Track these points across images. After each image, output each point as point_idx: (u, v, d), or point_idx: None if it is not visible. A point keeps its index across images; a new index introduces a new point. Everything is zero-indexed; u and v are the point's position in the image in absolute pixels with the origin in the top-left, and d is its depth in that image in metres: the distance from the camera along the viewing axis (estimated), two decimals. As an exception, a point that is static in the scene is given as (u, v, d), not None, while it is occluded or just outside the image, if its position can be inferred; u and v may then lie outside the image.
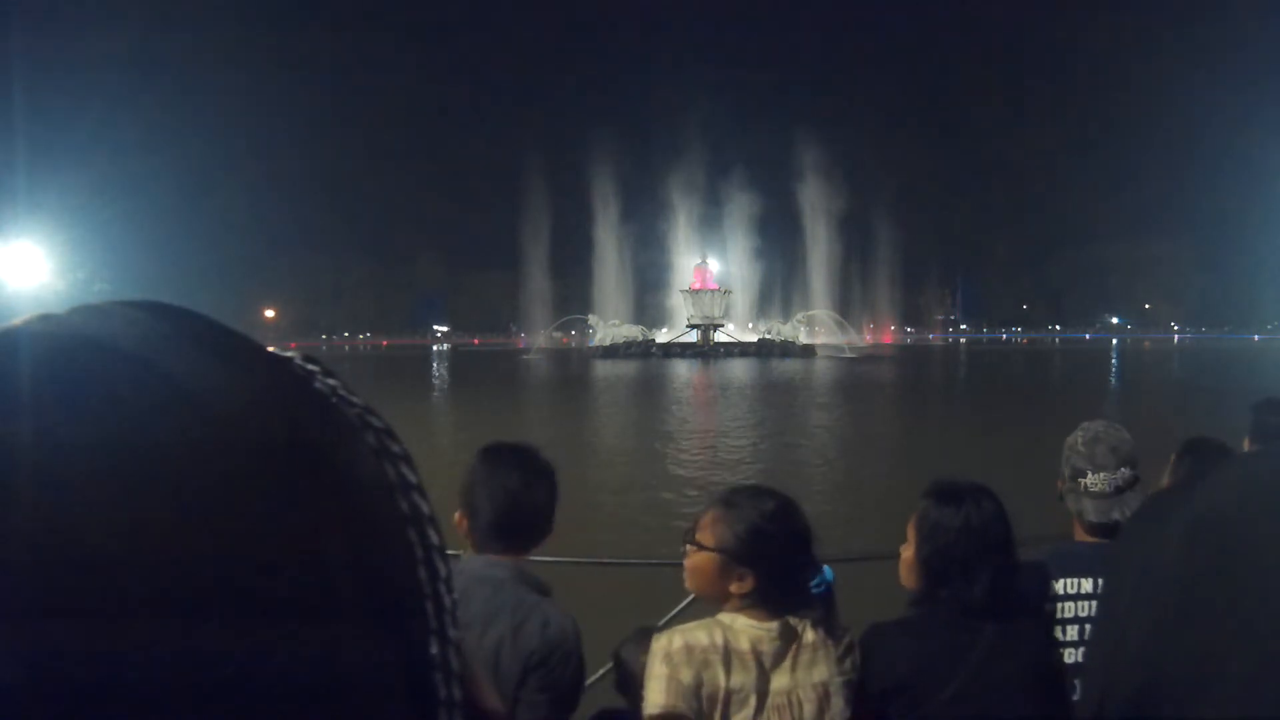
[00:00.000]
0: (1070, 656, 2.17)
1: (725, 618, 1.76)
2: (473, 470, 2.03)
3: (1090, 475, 2.25)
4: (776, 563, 1.76)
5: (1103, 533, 2.26)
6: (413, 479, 0.30)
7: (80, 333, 0.25)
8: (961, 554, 1.90)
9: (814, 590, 1.84)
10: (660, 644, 1.73)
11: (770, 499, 1.81)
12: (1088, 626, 2.16)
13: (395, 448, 0.30)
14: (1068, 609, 2.19)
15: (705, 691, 1.68)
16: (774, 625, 1.73)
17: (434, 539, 0.30)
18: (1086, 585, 2.19)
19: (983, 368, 52.61)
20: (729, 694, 1.68)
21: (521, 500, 2.00)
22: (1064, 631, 2.18)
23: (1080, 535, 2.30)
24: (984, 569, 1.88)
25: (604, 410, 26.72)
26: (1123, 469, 2.24)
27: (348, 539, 0.25)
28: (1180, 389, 29.38)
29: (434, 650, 0.28)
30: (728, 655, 1.70)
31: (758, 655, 1.71)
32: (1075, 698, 2.12)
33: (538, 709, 1.87)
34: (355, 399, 0.30)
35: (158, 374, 0.24)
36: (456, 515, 2.06)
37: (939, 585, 1.92)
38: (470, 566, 1.98)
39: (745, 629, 1.73)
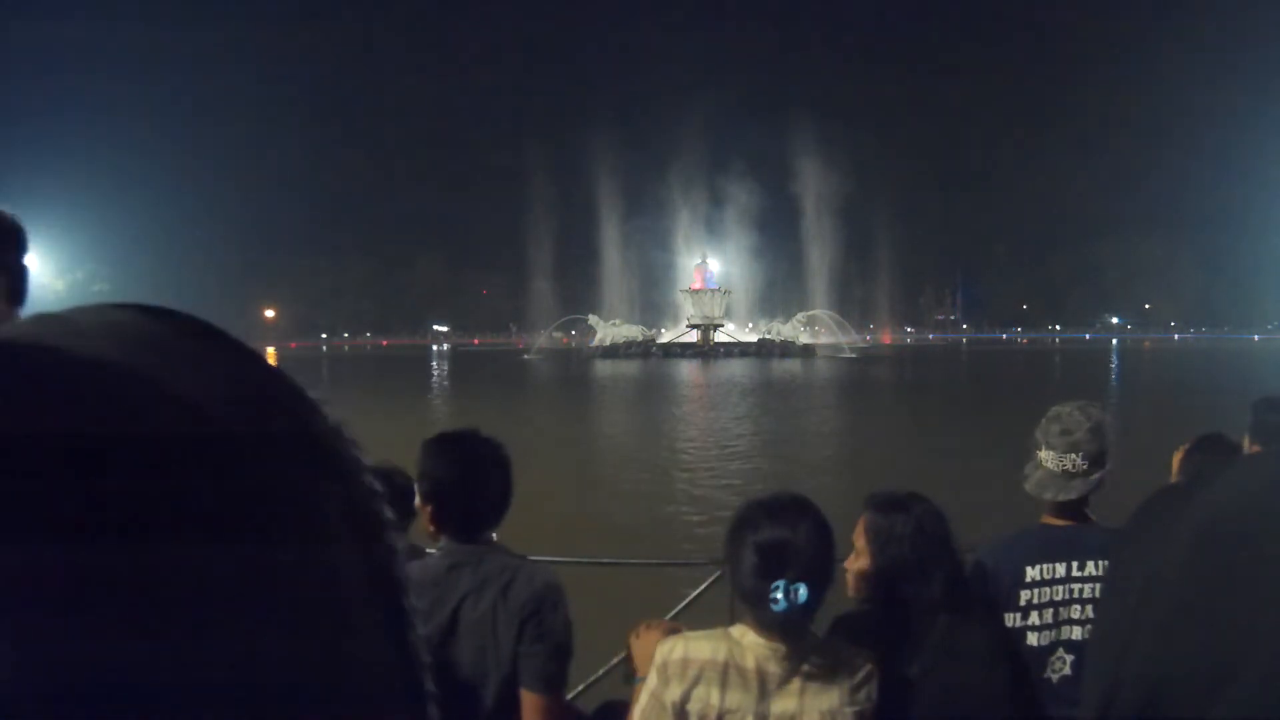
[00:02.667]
0: (1045, 638, 2.20)
1: (736, 631, 1.70)
2: (429, 463, 2.11)
3: (1042, 450, 2.28)
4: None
5: (1058, 511, 2.29)
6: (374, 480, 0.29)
7: (40, 341, 0.24)
8: (917, 558, 2.00)
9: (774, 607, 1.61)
10: (663, 650, 1.70)
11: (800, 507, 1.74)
12: (1060, 610, 2.19)
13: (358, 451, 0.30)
14: (1042, 594, 2.21)
15: (695, 709, 1.63)
16: (783, 645, 1.65)
17: (397, 541, 0.30)
18: (1060, 570, 2.20)
19: (983, 367, 52.58)
20: (724, 713, 1.63)
21: (480, 483, 2.09)
22: (1040, 615, 2.20)
23: (1046, 517, 2.33)
24: (937, 569, 1.99)
25: (604, 410, 26.72)
26: (1072, 454, 2.24)
27: (351, 533, 0.26)
28: (1180, 389, 29.39)
29: (414, 646, 0.28)
30: (727, 672, 1.64)
31: (762, 675, 1.64)
32: (1047, 676, 2.17)
33: (536, 659, 1.97)
34: (310, 394, 0.30)
35: (121, 378, 0.24)
36: (418, 504, 2.13)
37: (897, 589, 2.01)
38: (448, 550, 2.08)
39: (753, 646, 1.66)
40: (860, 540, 2.07)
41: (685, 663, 1.64)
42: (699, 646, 1.67)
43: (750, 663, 1.64)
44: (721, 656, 1.64)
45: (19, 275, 2.10)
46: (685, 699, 1.62)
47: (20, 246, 2.12)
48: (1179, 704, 0.38)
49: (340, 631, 0.25)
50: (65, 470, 0.21)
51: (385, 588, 0.27)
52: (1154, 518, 0.46)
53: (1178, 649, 0.39)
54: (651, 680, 1.66)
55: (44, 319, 0.26)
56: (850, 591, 2.09)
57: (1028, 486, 2.32)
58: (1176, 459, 3.06)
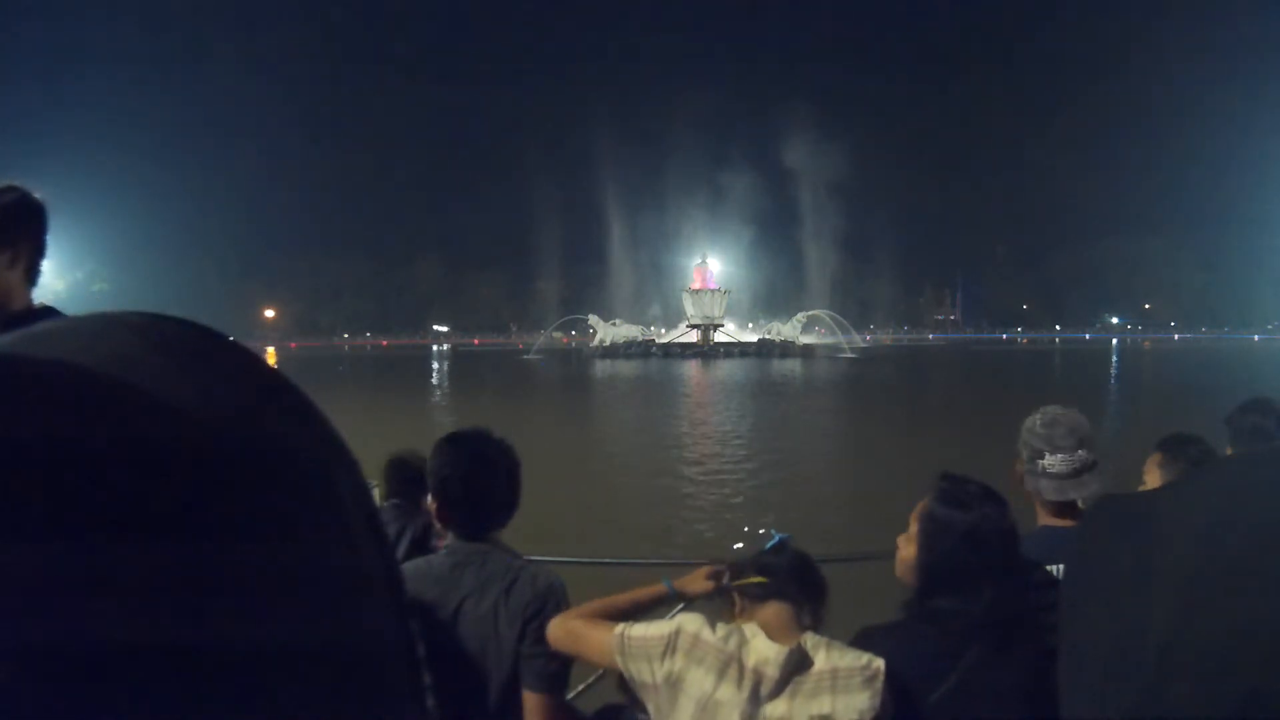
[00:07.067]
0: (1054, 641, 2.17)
1: (749, 628, 1.73)
2: (439, 461, 2.13)
3: (1048, 456, 2.27)
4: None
5: (1060, 512, 2.29)
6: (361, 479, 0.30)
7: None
8: (966, 564, 1.79)
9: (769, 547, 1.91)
10: (683, 620, 1.75)
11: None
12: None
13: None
14: (1051, 596, 2.19)
15: (688, 688, 1.66)
16: (783, 650, 1.66)
17: (387, 540, 0.30)
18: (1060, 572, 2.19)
19: (983, 367, 52.57)
20: (714, 703, 1.64)
21: (486, 482, 2.11)
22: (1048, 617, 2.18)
23: (1043, 518, 2.32)
24: (988, 581, 1.78)
25: (603, 410, 26.72)
26: (1080, 451, 2.26)
27: (354, 533, 0.27)
28: (1181, 389, 29.36)
29: (411, 642, 0.29)
30: (728, 664, 1.66)
31: (758, 677, 1.64)
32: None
33: (538, 660, 1.98)
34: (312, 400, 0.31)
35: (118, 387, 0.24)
36: (429, 501, 2.17)
37: (938, 594, 1.83)
38: (455, 548, 2.11)
39: (759, 648, 1.68)
40: (913, 527, 1.92)
41: (696, 640, 1.70)
42: (711, 633, 1.72)
43: (751, 661, 1.65)
44: (731, 648, 1.68)
45: (39, 255, 2.13)
46: (682, 674, 1.67)
47: (44, 225, 2.15)
48: (1183, 703, 0.38)
49: (345, 627, 0.25)
50: (69, 478, 0.21)
51: (385, 585, 0.28)
52: (1155, 517, 0.44)
53: (1182, 646, 0.39)
54: (658, 632, 1.74)
55: (52, 325, 0.26)
56: (898, 572, 1.98)
57: (1047, 495, 2.29)
58: (1153, 461, 2.90)
